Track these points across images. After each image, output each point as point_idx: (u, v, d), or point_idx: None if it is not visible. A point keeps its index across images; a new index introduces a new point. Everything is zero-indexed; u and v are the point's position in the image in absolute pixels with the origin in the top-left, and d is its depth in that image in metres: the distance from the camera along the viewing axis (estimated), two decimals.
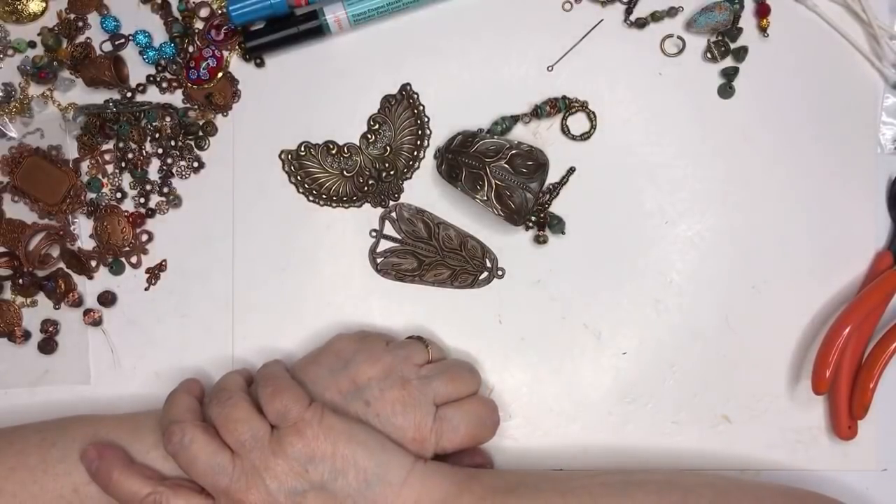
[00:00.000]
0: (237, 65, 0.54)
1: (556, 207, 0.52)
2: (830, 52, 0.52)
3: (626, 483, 0.44)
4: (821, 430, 0.52)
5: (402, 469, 0.43)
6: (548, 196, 0.52)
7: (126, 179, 0.54)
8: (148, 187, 0.53)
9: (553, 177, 0.52)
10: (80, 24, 0.54)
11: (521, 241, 0.53)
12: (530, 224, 0.52)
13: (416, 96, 0.53)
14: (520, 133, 0.53)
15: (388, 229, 0.53)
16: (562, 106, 0.52)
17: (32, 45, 0.54)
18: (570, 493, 0.43)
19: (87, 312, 0.53)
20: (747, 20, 0.52)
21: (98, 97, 0.54)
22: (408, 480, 0.43)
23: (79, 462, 0.45)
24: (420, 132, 0.53)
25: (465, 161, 0.50)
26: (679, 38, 0.52)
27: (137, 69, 0.54)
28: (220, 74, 0.53)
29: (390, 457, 0.43)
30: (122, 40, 0.53)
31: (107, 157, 0.54)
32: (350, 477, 0.42)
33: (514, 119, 0.52)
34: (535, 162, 0.50)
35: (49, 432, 0.47)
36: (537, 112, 0.52)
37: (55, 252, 0.53)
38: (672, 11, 0.52)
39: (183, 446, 0.42)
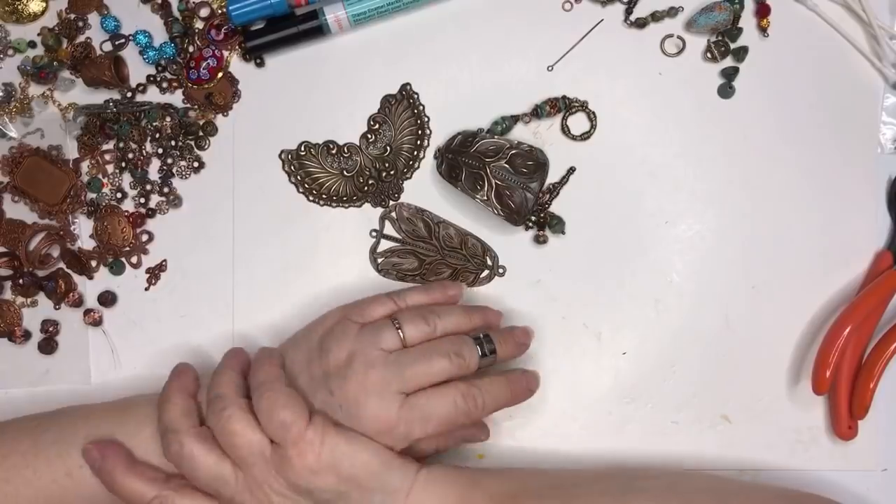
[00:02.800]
0: (237, 65, 0.54)
1: (556, 207, 0.52)
2: (830, 52, 0.52)
3: (626, 490, 0.44)
4: (821, 430, 0.52)
5: (404, 483, 0.43)
6: (548, 196, 0.52)
7: (126, 179, 0.54)
8: (148, 187, 0.53)
9: (553, 177, 0.52)
10: (81, 24, 0.54)
11: (521, 240, 0.53)
12: (530, 224, 0.52)
13: (416, 96, 0.53)
14: (520, 133, 0.53)
15: (389, 229, 0.53)
16: (562, 106, 0.52)
17: (32, 45, 0.54)
18: (572, 502, 0.43)
19: (87, 312, 0.53)
20: (747, 20, 0.52)
21: (98, 97, 0.54)
22: (410, 494, 0.43)
23: (72, 445, 0.44)
24: (420, 132, 0.53)
25: (465, 161, 0.50)
26: (679, 38, 0.52)
27: (137, 69, 0.54)
28: (220, 74, 0.53)
29: (393, 474, 0.43)
30: (123, 40, 0.53)
31: (107, 157, 0.54)
32: (354, 497, 0.42)
33: (514, 119, 0.52)
34: (535, 162, 0.50)
35: (43, 419, 0.47)
36: (537, 112, 0.52)
37: (55, 252, 0.53)
38: (672, 11, 0.52)
39: (182, 457, 0.42)
